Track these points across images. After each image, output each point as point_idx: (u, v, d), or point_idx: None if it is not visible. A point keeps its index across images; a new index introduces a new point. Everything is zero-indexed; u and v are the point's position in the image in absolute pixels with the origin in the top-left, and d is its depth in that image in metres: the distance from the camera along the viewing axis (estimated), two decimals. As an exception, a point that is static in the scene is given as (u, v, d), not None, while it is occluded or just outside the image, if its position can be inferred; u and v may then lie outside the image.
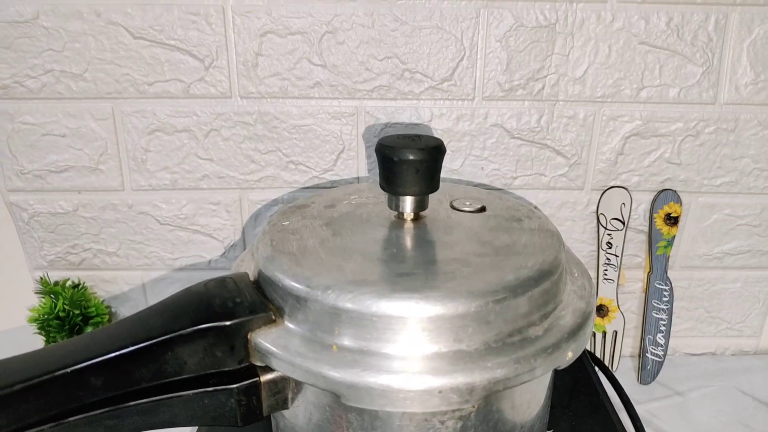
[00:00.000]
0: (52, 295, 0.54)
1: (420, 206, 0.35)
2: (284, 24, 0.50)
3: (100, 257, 0.58)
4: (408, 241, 0.34)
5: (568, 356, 0.29)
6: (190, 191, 0.56)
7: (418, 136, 0.34)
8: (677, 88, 0.54)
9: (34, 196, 0.55)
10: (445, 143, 0.54)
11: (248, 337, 0.29)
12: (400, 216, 0.35)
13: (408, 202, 0.34)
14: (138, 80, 0.52)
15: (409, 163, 0.32)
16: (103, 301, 0.58)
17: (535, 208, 0.56)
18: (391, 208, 0.35)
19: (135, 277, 0.59)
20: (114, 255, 0.58)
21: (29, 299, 0.57)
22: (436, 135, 0.54)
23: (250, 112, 0.53)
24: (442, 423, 0.29)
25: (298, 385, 0.31)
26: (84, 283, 0.57)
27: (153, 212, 0.56)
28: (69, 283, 0.57)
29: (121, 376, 0.28)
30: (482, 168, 0.56)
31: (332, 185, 0.56)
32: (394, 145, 0.32)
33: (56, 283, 0.56)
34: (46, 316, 0.53)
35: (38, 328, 0.54)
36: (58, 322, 0.53)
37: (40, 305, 0.54)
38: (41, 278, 0.56)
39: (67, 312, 0.53)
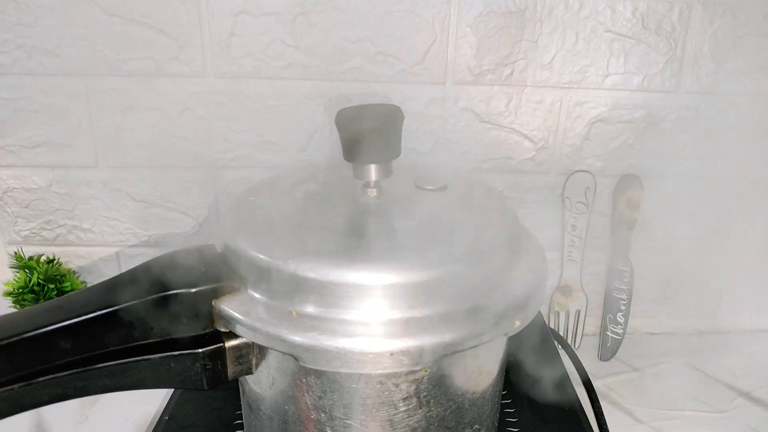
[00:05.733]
0: (26, 270, 0.55)
1: (385, 173, 0.36)
2: (257, 4, 0.51)
3: (74, 233, 0.59)
4: (369, 217, 0.35)
5: (516, 324, 0.31)
6: (165, 169, 0.56)
7: (377, 105, 0.35)
8: (641, 75, 0.56)
9: (8, 171, 0.56)
10: (415, 126, 0.56)
11: (213, 304, 0.31)
12: (366, 186, 0.36)
13: (373, 170, 0.35)
14: (111, 57, 0.52)
15: (370, 131, 0.33)
16: (78, 277, 0.59)
17: (501, 191, 0.58)
18: (356, 177, 0.36)
19: (110, 253, 0.60)
20: (89, 231, 0.58)
21: (4, 274, 0.58)
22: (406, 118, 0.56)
23: (224, 91, 0.54)
24: (396, 386, 0.31)
25: (262, 352, 0.32)
26: (59, 258, 0.58)
27: (127, 189, 0.57)
28: (44, 258, 0.57)
29: (90, 339, 0.29)
30: (452, 151, 0.57)
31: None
32: (352, 115, 0.33)
33: (30, 258, 0.57)
34: (20, 290, 0.54)
35: (13, 302, 0.55)
36: (32, 296, 0.54)
37: (14, 279, 0.55)
38: (15, 253, 0.57)
39: (42, 286, 0.54)
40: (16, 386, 0.28)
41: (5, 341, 0.27)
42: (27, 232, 0.58)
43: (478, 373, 0.34)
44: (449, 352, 0.29)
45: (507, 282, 0.33)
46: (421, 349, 0.28)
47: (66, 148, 0.55)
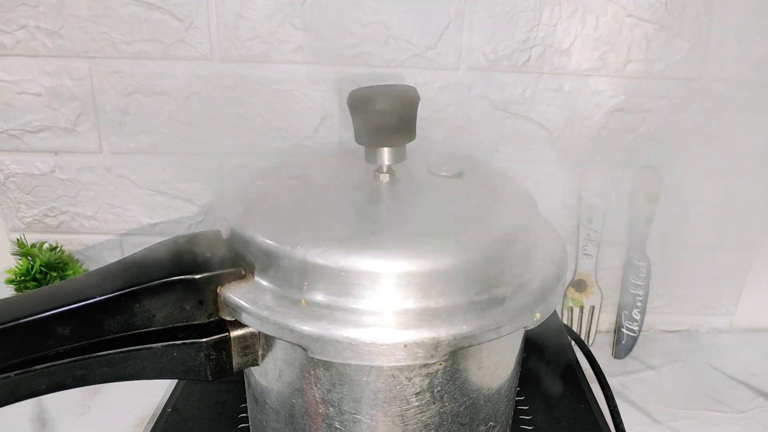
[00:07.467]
0: (28, 257, 0.54)
1: (398, 158, 0.34)
2: (267, -15, 0.49)
3: (78, 220, 0.57)
4: (382, 202, 0.33)
5: (536, 317, 0.29)
6: (170, 155, 0.55)
7: (391, 86, 0.33)
8: (663, 63, 0.53)
9: (10, 156, 0.54)
10: (427, 113, 0.54)
11: (217, 291, 0.29)
12: (379, 170, 0.34)
13: (386, 154, 0.33)
14: (116, 39, 0.50)
15: (384, 112, 0.31)
16: (81, 265, 0.58)
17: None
18: (368, 162, 0.34)
19: (113, 241, 0.59)
20: (92, 219, 0.57)
21: (6, 261, 0.57)
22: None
23: (231, 75, 0.52)
24: (409, 380, 0.29)
25: (268, 342, 0.31)
26: (61, 246, 0.57)
27: (131, 176, 0.56)
28: (46, 245, 0.56)
29: (89, 326, 0.28)
30: (465, 139, 0.55)
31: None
32: (367, 95, 0.31)
33: (33, 245, 0.56)
34: (22, 278, 0.53)
35: (15, 290, 0.54)
36: (35, 283, 0.53)
37: (17, 266, 0.54)
38: (18, 240, 0.56)
39: (44, 274, 0.53)
40: (12, 374, 0.27)
41: (1, 327, 0.26)
42: (30, 219, 0.57)
43: (495, 368, 0.32)
44: (466, 344, 0.27)
45: (526, 272, 0.31)
46: (436, 341, 0.26)
47: (69, 133, 0.54)
